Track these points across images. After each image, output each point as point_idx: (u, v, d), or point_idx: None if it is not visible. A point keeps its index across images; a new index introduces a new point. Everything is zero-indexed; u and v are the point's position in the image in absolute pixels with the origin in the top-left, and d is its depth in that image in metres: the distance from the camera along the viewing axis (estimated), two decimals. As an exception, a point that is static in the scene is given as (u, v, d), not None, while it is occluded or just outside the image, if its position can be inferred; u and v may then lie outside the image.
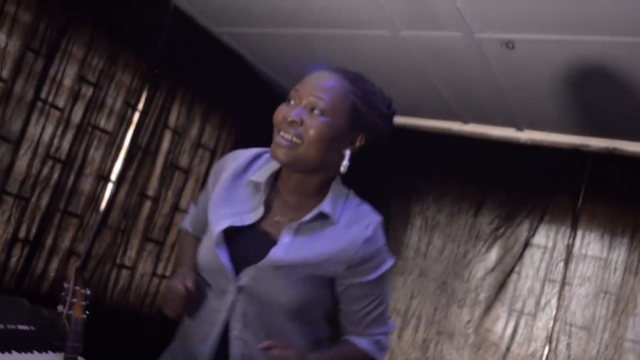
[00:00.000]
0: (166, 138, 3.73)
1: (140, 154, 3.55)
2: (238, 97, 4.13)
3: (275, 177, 1.50)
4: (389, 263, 1.46)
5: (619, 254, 3.54)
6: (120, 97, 3.40)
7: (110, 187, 3.44)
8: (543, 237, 3.77)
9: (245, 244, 1.43)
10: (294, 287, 1.38)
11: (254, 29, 3.59)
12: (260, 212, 1.45)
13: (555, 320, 3.58)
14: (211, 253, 1.43)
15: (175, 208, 3.86)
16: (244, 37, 3.78)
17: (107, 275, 3.48)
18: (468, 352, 3.72)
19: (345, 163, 1.41)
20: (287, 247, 1.39)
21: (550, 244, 3.74)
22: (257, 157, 1.54)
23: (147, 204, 3.68)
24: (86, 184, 3.32)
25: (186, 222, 1.74)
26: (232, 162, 1.54)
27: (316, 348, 1.46)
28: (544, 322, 3.61)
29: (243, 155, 1.54)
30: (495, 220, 3.92)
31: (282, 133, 1.38)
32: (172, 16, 3.52)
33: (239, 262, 1.42)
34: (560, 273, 3.65)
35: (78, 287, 1.52)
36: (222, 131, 4.13)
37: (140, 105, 3.53)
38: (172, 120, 3.75)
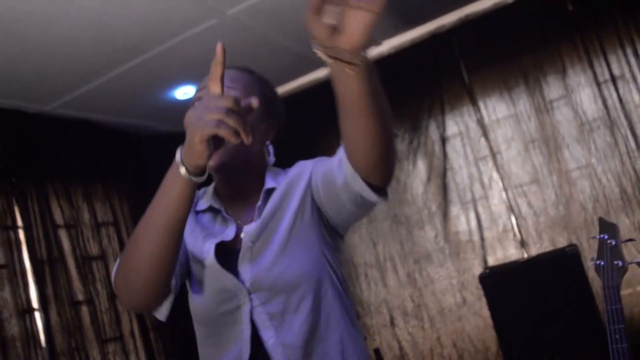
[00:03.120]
0: (63, 238, 3.43)
1: (47, 267, 3.25)
2: (103, 159, 3.87)
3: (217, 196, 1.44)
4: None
5: (524, 102, 3.64)
6: (-6, 226, 3.07)
7: (38, 315, 3.12)
8: (453, 125, 3.82)
9: (228, 254, 1.35)
10: (290, 257, 1.31)
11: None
12: (232, 222, 1.39)
13: (505, 189, 3.66)
14: (209, 279, 1.32)
15: (113, 296, 3.58)
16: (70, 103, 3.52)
17: (86, 399, 3.19)
18: (452, 262, 3.74)
19: (271, 155, 1.43)
20: (256, 223, 1.35)
21: (462, 128, 3.79)
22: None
23: (84, 309, 3.40)
24: (14, 327, 2.99)
25: None
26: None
27: (334, 321, 1.35)
28: (497, 197, 3.68)
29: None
30: (405, 135, 3.92)
31: None
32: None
33: (234, 270, 1.32)
34: (486, 147, 3.72)
35: None
36: (112, 200, 3.86)
37: (19, 222, 3.21)
38: (58, 217, 3.45)
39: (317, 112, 2.92)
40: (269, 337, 1.28)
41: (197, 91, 1.39)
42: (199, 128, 1.04)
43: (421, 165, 3.88)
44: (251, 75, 1.44)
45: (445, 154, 3.81)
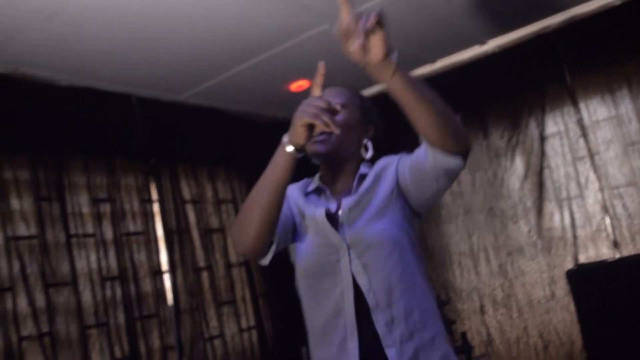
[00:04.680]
0: (190, 212, 3.93)
1: (175, 236, 3.75)
2: (227, 143, 4.33)
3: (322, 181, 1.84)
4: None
5: (626, 105, 3.67)
6: (135, 199, 3.60)
7: (166, 277, 3.64)
8: (553, 125, 3.90)
9: (332, 220, 1.72)
10: (379, 223, 1.65)
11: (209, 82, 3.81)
12: (334, 199, 1.77)
13: (601, 190, 3.72)
14: (317, 234, 1.69)
15: (229, 265, 4.06)
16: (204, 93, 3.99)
17: (204, 351, 3.68)
18: (543, 257, 3.87)
19: (369, 150, 1.79)
20: (353, 197, 1.71)
21: (562, 128, 3.87)
22: (305, 182, 1.89)
23: (204, 275, 3.88)
24: (146, 286, 3.52)
25: None
26: (289, 190, 1.83)
27: (415, 283, 1.66)
28: (592, 197, 3.75)
29: (295, 184, 1.86)
30: (505, 133, 4.06)
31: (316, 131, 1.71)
32: (137, 107, 3.73)
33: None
34: (584, 148, 3.79)
35: None
36: (232, 180, 4.32)
37: (155, 196, 3.73)
38: (186, 194, 3.95)
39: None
40: (364, 283, 1.61)
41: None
42: (301, 117, 1.46)
43: (519, 162, 4.01)
44: (351, 90, 1.86)
45: (543, 152, 3.92)
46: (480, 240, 4.12)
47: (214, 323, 3.84)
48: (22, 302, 2.95)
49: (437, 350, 1.62)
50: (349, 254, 1.63)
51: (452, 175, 1.60)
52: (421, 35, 3.74)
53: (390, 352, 1.56)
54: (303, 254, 1.71)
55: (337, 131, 1.47)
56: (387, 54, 1.35)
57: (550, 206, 3.89)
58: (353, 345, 1.59)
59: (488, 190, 4.11)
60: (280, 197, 1.55)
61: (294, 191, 1.83)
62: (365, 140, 1.80)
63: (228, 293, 4.02)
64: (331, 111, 1.47)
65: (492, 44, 4.10)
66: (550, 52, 3.90)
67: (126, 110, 3.71)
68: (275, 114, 4.56)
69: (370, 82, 4.09)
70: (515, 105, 4.04)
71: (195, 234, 3.91)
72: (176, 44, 3.24)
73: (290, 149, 1.51)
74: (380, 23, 1.32)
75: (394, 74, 1.38)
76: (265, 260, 1.69)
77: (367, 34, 1.32)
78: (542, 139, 3.93)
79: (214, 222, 4.08)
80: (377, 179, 1.74)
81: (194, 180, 4.02)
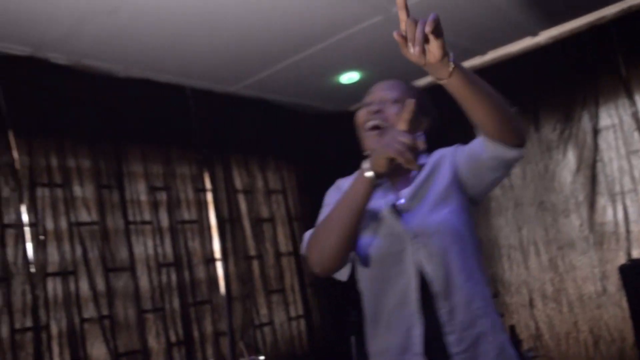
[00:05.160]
0: (241, 201, 4.01)
1: (228, 225, 3.84)
2: (277, 134, 4.40)
3: None
4: None
5: (684, 99, 3.59)
6: (189, 188, 3.69)
7: (219, 265, 3.73)
8: (607, 118, 3.84)
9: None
10: (439, 213, 1.69)
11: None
12: (394, 190, 1.78)
13: (656, 184, 3.66)
14: (380, 225, 1.71)
15: (278, 254, 4.13)
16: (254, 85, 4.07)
17: (254, 338, 3.76)
18: (594, 251, 3.82)
19: (424, 143, 1.78)
20: (412, 187, 1.74)
21: (616, 121, 3.81)
22: None
23: (255, 263, 3.96)
24: (200, 273, 3.61)
25: None
26: (344, 182, 1.86)
27: (475, 272, 1.69)
28: (647, 191, 3.69)
29: (349, 177, 1.86)
30: (557, 125, 4.01)
31: (369, 123, 1.75)
32: (192, 98, 3.82)
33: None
34: (639, 141, 3.72)
35: (254, 357, 1.78)
36: (282, 171, 4.39)
37: (208, 185, 3.82)
38: (238, 183, 4.03)
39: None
40: (429, 272, 1.64)
41: (368, 96, 1.84)
42: (387, 150, 1.51)
43: (571, 156, 3.96)
44: (405, 83, 1.88)
45: (596, 146, 3.86)
46: (530, 234, 4.09)
47: (263, 311, 3.92)
48: (84, 286, 3.08)
49: (495, 338, 1.65)
50: (414, 244, 1.67)
51: (510, 165, 1.63)
52: (473, 26, 3.72)
53: (450, 338, 1.60)
54: (366, 246, 1.74)
55: (417, 169, 1.57)
56: (445, 54, 1.38)
57: (602, 200, 3.83)
58: (417, 332, 1.63)
59: (539, 184, 4.07)
60: (359, 219, 1.61)
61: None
62: (419, 133, 1.82)
63: (277, 282, 4.09)
64: (415, 148, 1.51)
65: (545, 36, 4.06)
66: (605, 43, 3.84)
67: (181, 101, 3.80)
68: (324, 106, 4.61)
69: (424, 73, 4.10)
70: (568, 97, 3.98)
71: (246, 223, 3.99)
72: (230, 37, 3.31)
73: (370, 174, 1.56)
74: (438, 29, 1.34)
75: (453, 72, 1.42)
76: (343, 276, 1.74)
77: (426, 38, 1.35)
78: (596, 132, 3.87)
79: (264, 212, 4.16)
80: (434, 169, 1.77)
81: (245, 171, 4.10)
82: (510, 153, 1.57)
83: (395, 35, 1.37)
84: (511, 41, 4.15)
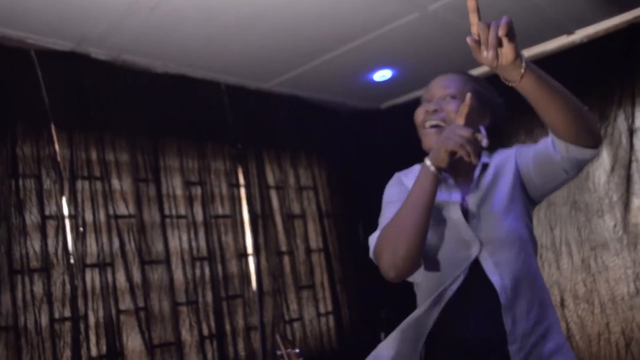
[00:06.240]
0: (273, 197, 4.04)
1: (260, 221, 3.87)
2: (309, 131, 4.42)
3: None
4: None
5: None
6: (223, 183, 3.74)
7: (251, 260, 3.76)
8: (643, 117, 3.80)
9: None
10: (508, 221, 1.65)
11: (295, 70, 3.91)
12: (457, 188, 1.74)
13: (693, 186, 3.61)
14: (447, 228, 1.68)
15: (309, 251, 4.15)
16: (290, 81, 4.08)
17: (284, 333, 3.79)
18: (628, 252, 3.78)
19: (484, 137, 1.66)
20: (478, 192, 1.70)
21: (653, 121, 3.77)
22: (418, 168, 1.83)
23: (286, 259, 3.99)
24: (232, 267, 3.65)
25: None
26: (404, 177, 1.85)
27: (536, 277, 1.67)
28: (683, 193, 3.65)
29: (410, 171, 1.87)
30: (592, 125, 3.96)
31: (427, 123, 1.73)
32: (226, 93, 3.86)
33: None
34: (676, 141, 3.68)
35: (290, 350, 1.79)
36: (313, 167, 4.41)
37: (241, 180, 3.85)
38: (270, 179, 4.06)
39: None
40: (496, 280, 1.60)
41: (426, 91, 1.82)
42: (447, 144, 1.50)
43: (605, 155, 3.92)
44: (465, 75, 1.83)
45: (631, 146, 3.81)
46: (563, 234, 4.06)
47: (294, 306, 3.95)
48: (121, 278, 3.13)
49: (552, 340, 1.63)
50: (482, 251, 1.63)
51: (583, 166, 1.61)
52: (508, 24, 3.70)
53: (512, 348, 1.58)
54: (435, 249, 1.69)
55: (477, 162, 1.52)
56: (518, 56, 1.37)
57: (637, 201, 3.79)
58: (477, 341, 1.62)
59: (572, 183, 4.03)
60: (429, 215, 1.57)
61: (411, 180, 1.76)
62: (481, 127, 1.72)
63: (308, 278, 4.12)
64: (476, 141, 1.50)
65: (580, 34, 4.02)
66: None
67: (216, 96, 3.84)
68: (356, 103, 4.62)
69: (474, 64, 4.11)
70: (604, 97, 3.93)
71: (278, 219, 4.02)
72: (265, 35, 3.34)
73: (433, 169, 1.55)
74: (511, 31, 1.33)
75: (525, 74, 1.40)
76: (418, 278, 1.69)
77: (500, 41, 1.34)
78: (631, 132, 3.82)
79: (295, 208, 4.19)
80: (498, 172, 1.73)
81: (277, 167, 4.13)
82: (585, 154, 1.54)
83: (468, 40, 1.37)
84: (546, 39, 4.11)
